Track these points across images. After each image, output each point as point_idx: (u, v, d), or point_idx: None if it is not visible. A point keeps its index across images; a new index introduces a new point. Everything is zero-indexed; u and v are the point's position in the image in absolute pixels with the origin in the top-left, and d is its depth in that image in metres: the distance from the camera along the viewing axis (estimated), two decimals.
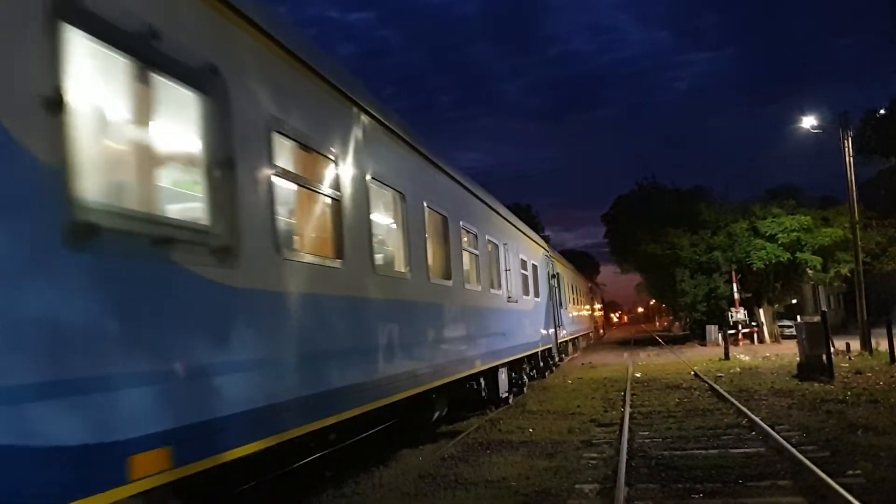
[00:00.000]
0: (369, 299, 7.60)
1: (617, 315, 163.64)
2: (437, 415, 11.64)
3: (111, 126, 4.21)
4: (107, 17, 3.86)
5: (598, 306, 64.90)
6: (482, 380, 13.78)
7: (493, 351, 13.76)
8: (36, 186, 3.36)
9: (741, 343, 35.68)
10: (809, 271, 38.28)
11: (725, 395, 15.32)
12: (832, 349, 19.03)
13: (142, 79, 4.20)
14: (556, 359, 25.67)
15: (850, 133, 27.90)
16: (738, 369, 22.51)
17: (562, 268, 29.69)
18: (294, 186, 6.32)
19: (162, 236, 4.24)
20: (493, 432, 12.63)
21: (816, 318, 20.34)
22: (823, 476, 7.59)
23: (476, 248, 13.01)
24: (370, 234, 7.73)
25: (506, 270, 15.63)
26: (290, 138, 6.03)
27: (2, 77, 3.23)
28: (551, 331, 23.13)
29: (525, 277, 18.48)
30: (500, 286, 14.95)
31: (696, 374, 21.10)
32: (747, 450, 9.81)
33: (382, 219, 8.70)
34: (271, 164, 5.59)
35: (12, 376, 3.19)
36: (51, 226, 3.43)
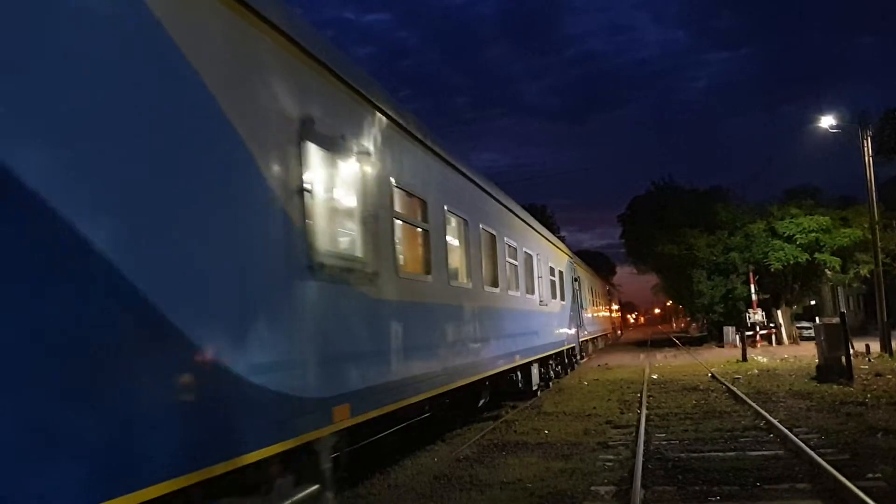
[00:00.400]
0: (447, 305, 9.64)
1: (633, 316, 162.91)
2: (483, 401, 13.74)
3: (323, 197, 6.12)
4: (324, 133, 5.99)
5: (615, 307, 65.23)
6: (519, 373, 15.57)
7: (529, 348, 15.76)
8: (297, 242, 5.41)
9: (759, 345, 35.41)
10: (828, 272, 37.95)
11: (743, 396, 15.21)
12: (851, 351, 18.83)
13: (333, 164, 6.36)
14: (579, 357, 27.56)
15: (870, 132, 27.65)
16: (756, 371, 22.35)
17: (582, 272, 31.29)
18: (401, 223, 8.13)
19: (345, 267, 6.30)
20: (509, 433, 12.61)
21: (835, 320, 20.14)
22: (842, 479, 7.51)
23: (516, 260, 14.82)
24: (446, 254, 9.61)
25: (538, 277, 17.53)
26: (403, 190, 8.08)
27: (281, 178, 5.25)
28: (574, 331, 24.83)
29: (553, 283, 20.41)
30: (533, 291, 16.77)
31: (713, 376, 20.97)
32: (765, 452, 9.73)
33: (453, 241, 10.46)
34: (393, 211, 7.66)
35: (289, 352, 5.20)
36: (303, 264, 5.48)
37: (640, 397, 16.61)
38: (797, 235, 36.07)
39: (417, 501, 8.25)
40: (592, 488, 8.34)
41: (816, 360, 19.63)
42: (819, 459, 8.58)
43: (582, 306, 28.53)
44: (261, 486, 4.89)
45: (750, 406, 13.81)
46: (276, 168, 5.21)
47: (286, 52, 5.53)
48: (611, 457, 10.10)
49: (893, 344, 25.10)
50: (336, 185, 6.52)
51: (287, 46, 5.54)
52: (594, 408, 15.46)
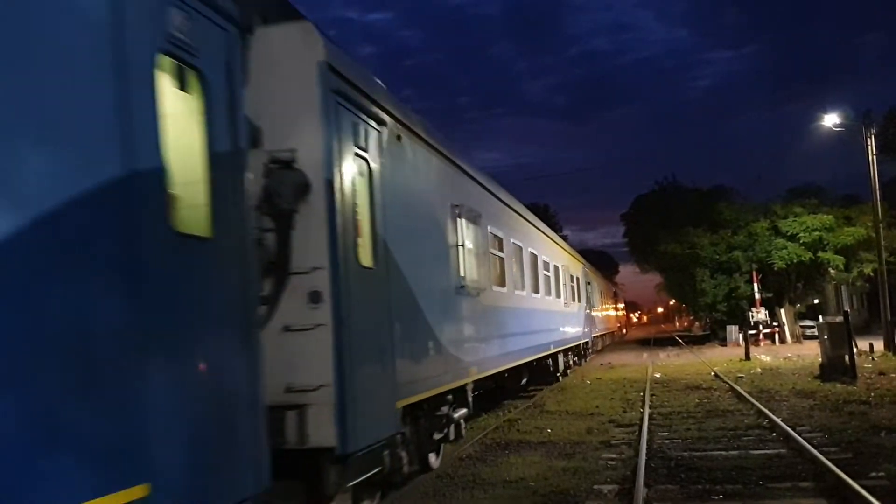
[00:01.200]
0: (516, 308, 14.17)
1: (637, 315, 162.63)
2: (524, 381, 17.29)
3: (465, 246, 9.97)
4: (466, 210, 10.04)
5: (620, 306, 66.45)
6: (551, 360, 20.02)
7: (559, 340, 20.67)
8: (455, 274, 9.60)
9: (762, 343, 35.37)
10: (832, 271, 37.85)
11: (746, 395, 15.20)
12: (855, 349, 18.80)
13: (468, 227, 10.16)
14: (590, 350, 32.43)
15: (874, 131, 27.57)
16: (759, 370, 22.33)
17: (593, 276, 35.93)
18: (490, 253, 11.91)
19: (472, 287, 10.23)
20: (512, 432, 12.62)
21: (839, 319, 20.11)
22: (845, 478, 7.50)
23: (549, 272, 19.32)
24: (512, 272, 14.03)
25: (563, 284, 22.30)
26: (493, 233, 12.34)
27: (451, 239, 9.53)
28: (588, 328, 29.49)
29: (573, 288, 25.24)
30: (560, 296, 21.48)
31: (716, 375, 20.96)
32: (768, 451, 9.73)
33: (515, 261, 14.55)
34: (488, 247, 11.76)
35: (454, 334, 9.40)
36: (456, 287, 9.54)
37: (643, 396, 16.61)
38: (801, 234, 36.01)
39: (421, 500, 8.25)
40: (595, 487, 8.34)
41: (820, 359, 19.60)
42: (822, 458, 8.57)
43: (593, 307, 33.03)
44: (444, 405, 9.03)
45: (753, 405, 13.80)
46: (449, 234, 9.51)
47: (455, 171, 10.22)
48: (613, 455, 10.11)
49: None
50: (468, 238, 10.16)
51: (458, 169, 10.36)
52: (597, 407, 15.47)
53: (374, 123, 7.08)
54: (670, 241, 41.61)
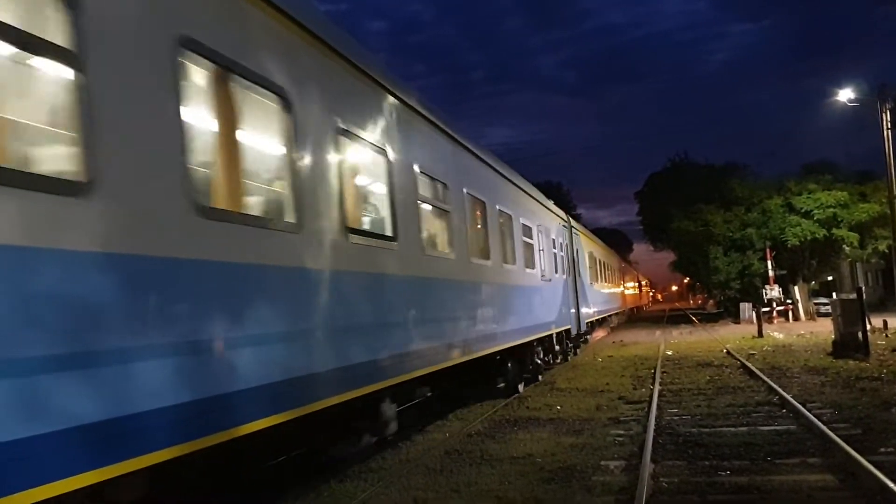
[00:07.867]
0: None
1: (651, 293, 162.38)
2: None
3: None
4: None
5: (643, 283, 72.43)
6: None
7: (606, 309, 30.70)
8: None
9: (775, 321, 35.23)
10: (846, 248, 37.59)
11: (757, 372, 15.15)
12: (868, 326, 18.69)
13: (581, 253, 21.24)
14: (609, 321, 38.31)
15: (888, 105, 27.20)
16: (772, 347, 22.26)
17: (608, 259, 39.02)
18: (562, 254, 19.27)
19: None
20: (521, 409, 12.64)
21: (853, 296, 19.97)
22: (854, 454, 7.47)
23: (604, 266, 27.84)
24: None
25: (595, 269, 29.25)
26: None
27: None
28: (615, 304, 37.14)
29: (604, 270, 32.06)
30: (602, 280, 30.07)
31: (728, 352, 20.91)
32: (777, 427, 9.70)
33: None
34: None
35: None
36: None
37: (654, 373, 16.59)
38: (815, 211, 35.75)
39: (428, 476, 8.28)
40: (602, 463, 8.35)
41: (833, 336, 19.52)
42: (831, 434, 8.53)
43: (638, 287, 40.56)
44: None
45: (764, 381, 13.75)
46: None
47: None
48: (622, 432, 10.11)
49: None
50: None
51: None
52: (607, 384, 15.47)
53: None
54: (683, 219, 41.42)
